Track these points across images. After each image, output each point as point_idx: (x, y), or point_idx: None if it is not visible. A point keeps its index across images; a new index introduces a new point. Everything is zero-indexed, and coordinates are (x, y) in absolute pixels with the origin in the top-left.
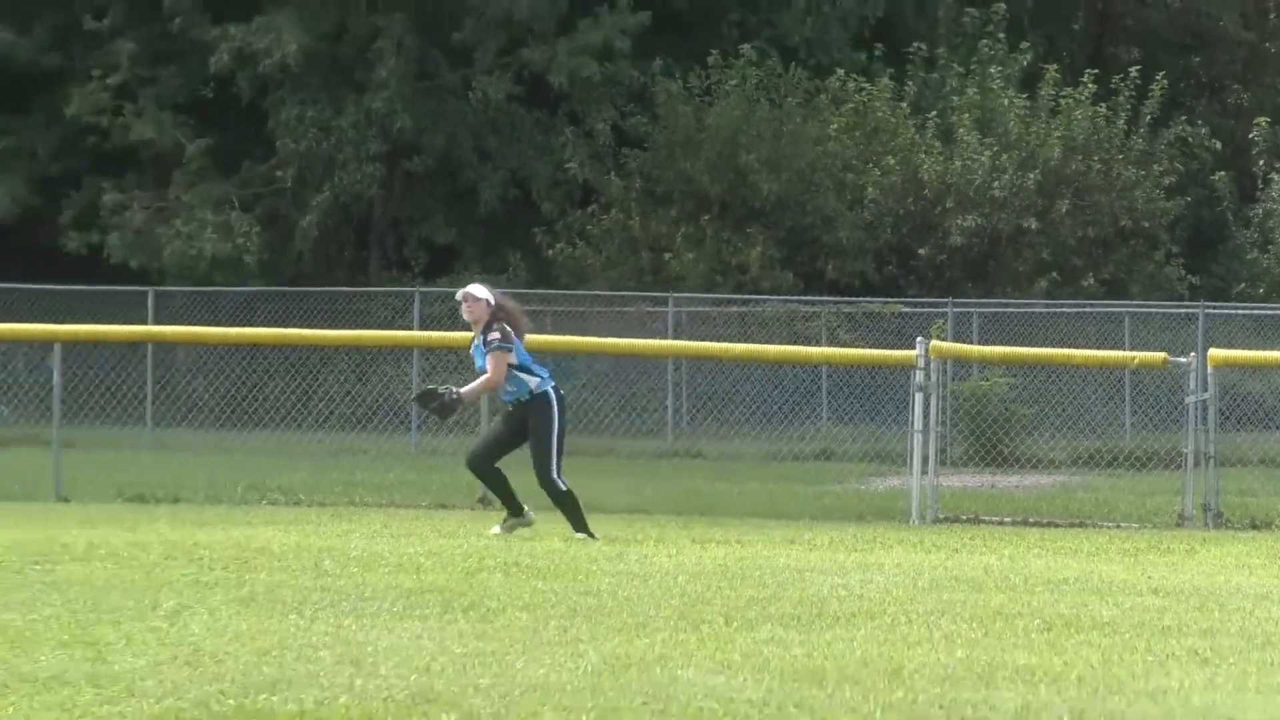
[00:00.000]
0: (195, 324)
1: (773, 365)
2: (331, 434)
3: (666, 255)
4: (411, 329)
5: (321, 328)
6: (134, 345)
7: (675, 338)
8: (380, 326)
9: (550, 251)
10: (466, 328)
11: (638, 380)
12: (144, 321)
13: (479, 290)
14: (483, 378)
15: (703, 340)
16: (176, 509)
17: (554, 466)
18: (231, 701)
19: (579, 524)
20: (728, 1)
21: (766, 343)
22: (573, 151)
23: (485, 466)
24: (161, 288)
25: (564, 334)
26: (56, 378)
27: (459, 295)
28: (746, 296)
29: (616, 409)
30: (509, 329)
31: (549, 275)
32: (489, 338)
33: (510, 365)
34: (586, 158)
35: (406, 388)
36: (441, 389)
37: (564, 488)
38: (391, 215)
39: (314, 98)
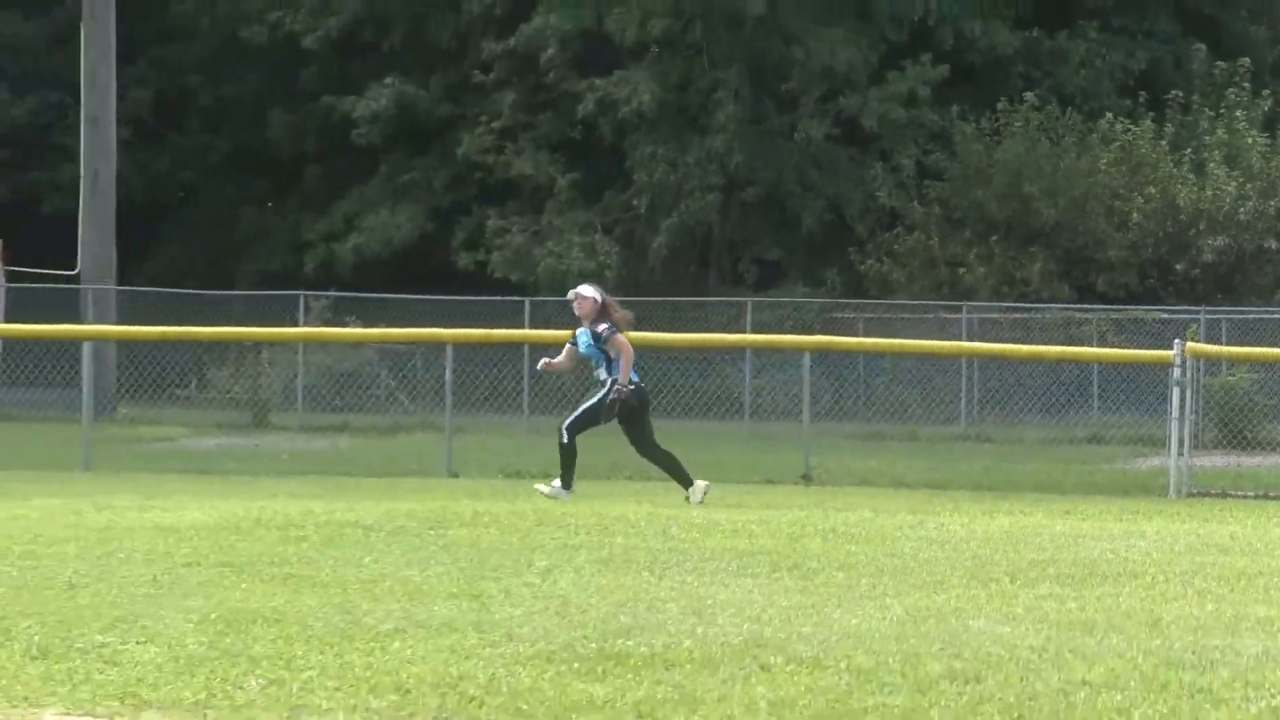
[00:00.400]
0: (564, 328)
1: (1051, 364)
2: (676, 420)
3: (961, 270)
4: (744, 333)
5: (669, 331)
6: (513, 345)
7: (968, 340)
8: (717, 330)
9: (862, 267)
10: (788, 332)
11: (936, 376)
12: (522, 326)
13: (588, 290)
14: (623, 361)
15: (991, 342)
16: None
17: (576, 427)
18: (593, 645)
19: (567, 480)
20: (1013, 57)
21: (1046, 344)
22: (881, 183)
23: (654, 452)
24: (536, 298)
25: (874, 336)
26: (448, 374)
27: (570, 294)
28: (1029, 305)
29: (919, 400)
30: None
31: (861, 287)
32: (599, 329)
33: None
34: (893, 188)
35: (740, 382)
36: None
37: (568, 442)
38: (728, 237)
39: (664, 139)
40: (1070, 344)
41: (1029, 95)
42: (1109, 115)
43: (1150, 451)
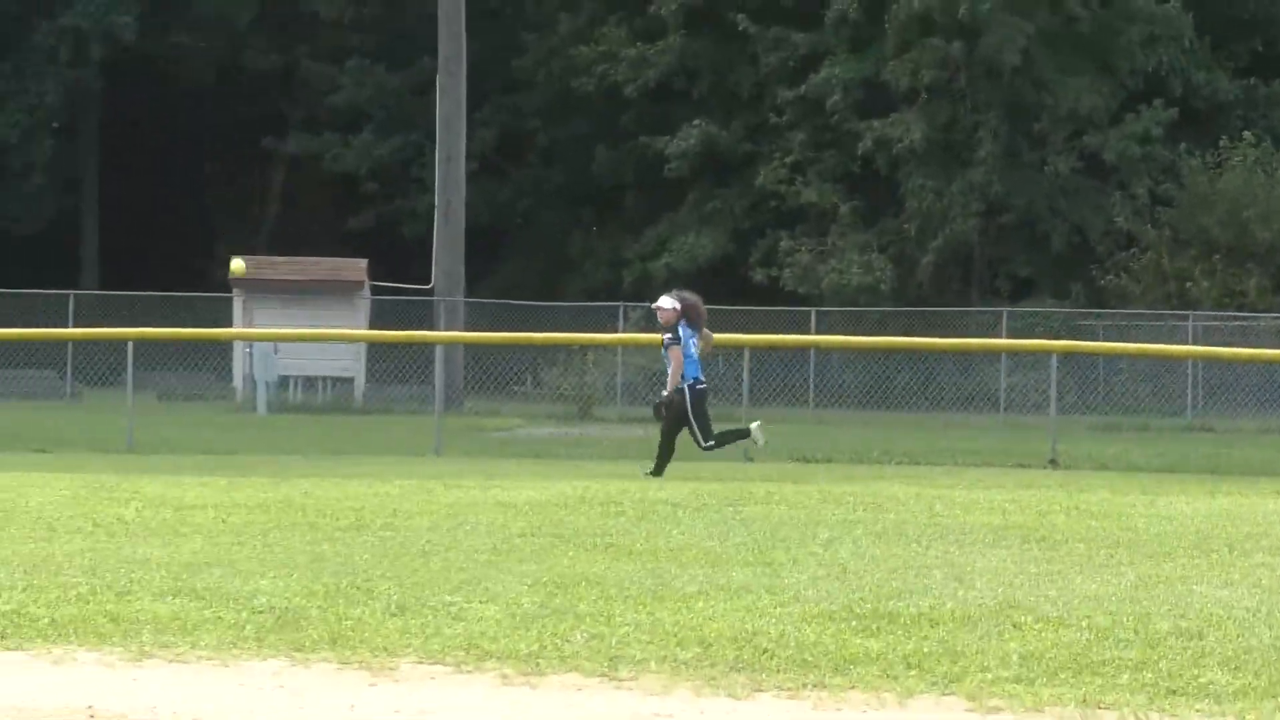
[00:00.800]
0: (846, 334)
1: (1266, 364)
2: (940, 413)
3: (1187, 284)
4: (1000, 338)
5: (935, 337)
6: (801, 349)
7: (1193, 344)
8: (977, 335)
9: (1102, 282)
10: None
11: (1165, 374)
12: (808, 332)
13: (666, 302)
14: (671, 369)
15: (1214, 345)
16: (830, 467)
17: (698, 438)
18: (869, 606)
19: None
20: (1234, 102)
21: (1261, 348)
22: (1119, 209)
23: (665, 441)
24: (821, 308)
25: (1111, 341)
26: (745, 373)
27: (653, 306)
28: (1247, 314)
29: (1150, 395)
30: (685, 325)
31: (1101, 299)
32: (666, 338)
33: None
34: (1130, 214)
35: (995, 378)
36: (663, 399)
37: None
38: (987, 255)
39: (932, 172)
40: None
41: (1247, 134)
42: None
43: None
